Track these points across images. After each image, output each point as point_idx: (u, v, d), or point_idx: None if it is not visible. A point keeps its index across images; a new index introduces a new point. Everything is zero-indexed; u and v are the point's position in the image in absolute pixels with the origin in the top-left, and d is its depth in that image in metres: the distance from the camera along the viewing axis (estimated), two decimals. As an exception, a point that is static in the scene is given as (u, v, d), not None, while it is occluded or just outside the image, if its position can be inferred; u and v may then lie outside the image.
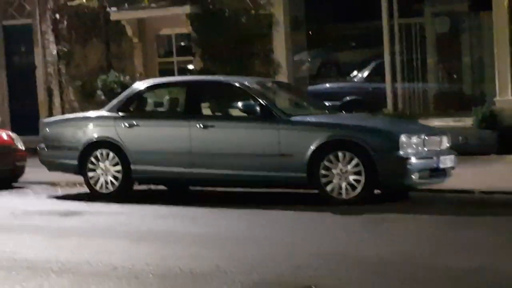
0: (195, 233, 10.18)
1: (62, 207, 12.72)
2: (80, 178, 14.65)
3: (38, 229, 10.74)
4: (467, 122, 16.38)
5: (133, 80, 19.32)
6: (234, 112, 13.49)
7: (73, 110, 20.22)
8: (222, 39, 18.21)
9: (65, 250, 9.13)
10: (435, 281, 7.40)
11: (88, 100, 20.03)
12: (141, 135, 13.24)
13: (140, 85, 13.97)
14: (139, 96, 13.78)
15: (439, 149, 12.49)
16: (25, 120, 20.76)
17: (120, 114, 13.48)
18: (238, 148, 12.56)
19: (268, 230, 10.28)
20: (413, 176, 11.90)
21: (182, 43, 19.55)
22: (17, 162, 15.96)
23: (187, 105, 13.28)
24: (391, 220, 10.79)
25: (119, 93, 18.91)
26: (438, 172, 12.33)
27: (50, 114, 20.91)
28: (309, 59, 18.87)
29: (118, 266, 8.21)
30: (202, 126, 12.74)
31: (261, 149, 12.40)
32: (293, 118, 12.52)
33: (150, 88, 13.97)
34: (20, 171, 16.02)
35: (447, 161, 12.43)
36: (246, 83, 13.13)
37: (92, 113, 14.28)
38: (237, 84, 13.08)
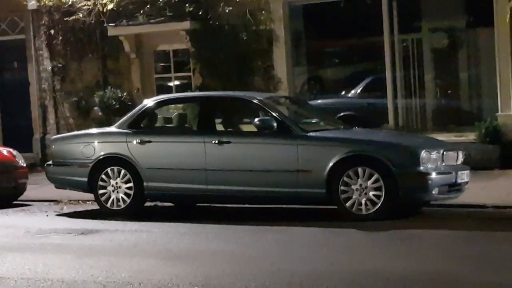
0: (224, 251, 9.88)
1: (76, 225, 12.36)
2: (82, 195, 14.41)
3: (61, 248, 10.39)
4: (469, 136, 16.26)
5: (131, 96, 19.10)
6: (247, 128, 13.31)
7: (68, 127, 19.90)
8: (222, 55, 17.95)
9: (99, 270, 8.77)
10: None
11: (84, 116, 19.69)
12: (154, 152, 12.96)
13: (151, 101, 13.67)
14: (150, 113, 13.49)
15: (455, 164, 12.35)
16: (18, 137, 20.31)
17: (131, 130, 13.19)
18: (255, 164, 12.30)
19: (298, 247, 10.01)
20: (433, 192, 11.76)
21: (180, 59, 19.20)
22: (19, 179, 15.61)
23: (201, 121, 13.05)
24: (419, 236, 10.56)
25: (117, 109, 18.80)
26: (456, 187, 12.19)
27: (45, 131, 20.56)
28: (307, 75, 18.63)
29: (162, 287, 7.91)
30: (217, 142, 12.48)
31: (279, 165, 12.17)
32: (311, 134, 12.31)
33: (161, 104, 13.73)
34: (22, 188, 15.69)
35: (463, 176, 12.33)
36: (262, 99, 12.91)
37: (102, 130, 14.02)
38: (254, 100, 12.84)
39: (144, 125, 13.40)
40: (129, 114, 13.64)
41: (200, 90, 17.49)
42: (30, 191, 15.85)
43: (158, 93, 19.21)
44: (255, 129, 12.71)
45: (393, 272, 8.24)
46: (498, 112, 16.38)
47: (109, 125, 18.21)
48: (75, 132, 14.38)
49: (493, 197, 13.29)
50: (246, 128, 13.33)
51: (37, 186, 16.42)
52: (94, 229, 11.81)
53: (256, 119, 12.52)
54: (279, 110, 12.73)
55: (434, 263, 8.74)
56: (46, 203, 15.29)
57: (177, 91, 18.81)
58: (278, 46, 17.85)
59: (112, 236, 11.23)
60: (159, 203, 14.12)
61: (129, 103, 18.93)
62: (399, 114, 17.38)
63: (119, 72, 19.49)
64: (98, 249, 10.22)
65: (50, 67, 20.25)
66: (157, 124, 13.68)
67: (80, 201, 14.93)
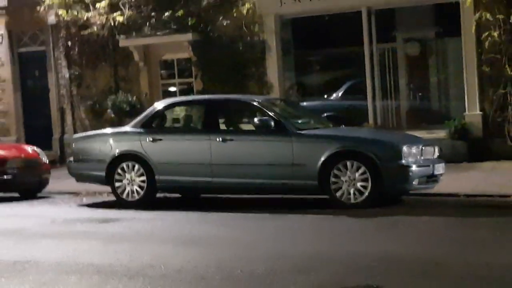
0: (232, 237, 9.75)
1: (97, 214, 12.19)
2: (99, 188, 14.24)
3: (87, 235, 10.23)
4: (440, 134, 16.14)
5: (140, 100, 18.92)
6: (246, 127, 13.17)
7: (84, 128, 19.67)
8: (220, 63, 17.81)
9: (123, 255, 8.62)
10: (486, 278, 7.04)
11: (98, 118, 19.49)
12: (165, 149, 12.81)
13: (161, 104, 13.53)
14: (160, 114, 13.33)
15: (432, 158, 12.25)
16: (38, 137, 20.07)
17: (144, 129, 13.03)
18: (254, 159, 12.18)
19: (297, 233, 9.88)
20: (414, 182, 11.67)
21: (183, 67, 19.02)
22: (43, 174, 15.44)
23: (207, 121, 12.89)
24: (403, 222, 10.43)
25: (128, 112, 18.63)
26: (433, 178, 12.09)
27: (63, 131, 20.35)
28: (295, 80, 18.49)
29: (181, 269, 7.76)
30: (221, 140, 12.35)
31: (276, 159, 12.05)
32: (305, 132, 12.20)
33: (170, 106, 13.59)
34: (45, 182, 15.53)
35: (440, 169, 12.24)
36: (260, 101, 12.80)
37: (117, 129, 13.84)
38: (254, 103, 12.75)
39: (155, 125, 13.22)
40: (142, 115, 13.47)
41: (202, 94, 17.30)
42: (52, 185, 15.68)
43: (164, 97, 19.06)
44: (254, 128, 12.60)
45: (385, 253, 8.15)
46: (465, 112, 16.27)
47: (120, 125, 18.08)
48: (94, 132, 14.18)
49: (463, 187, 13.18)
50: (244, 127, 13.19)
51: (58, 180, 16.20)
52: (114, 218, 11.65)
53: (256, 119, 12.41)
54: (276, 111, 12.60)
55: (421, 246, 8.66)
56: (67, 195, 15.10)
57: (181, 95, 18.63)
58: (270, 55, 17.71)
59: (131, 224, 11.08)
60: (167, 194, 13.94)
61: (139, 106, 18.77)
62: (378, 114, 17.25)
63: (129, 79, 19.30)
64: (120, 236, 10.07)
65: (68, 75, 20.03)
66: (167, 124, 13.53)
67: (97, 193, 14.74)
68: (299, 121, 12.87)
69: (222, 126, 13.02)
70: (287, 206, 12.22)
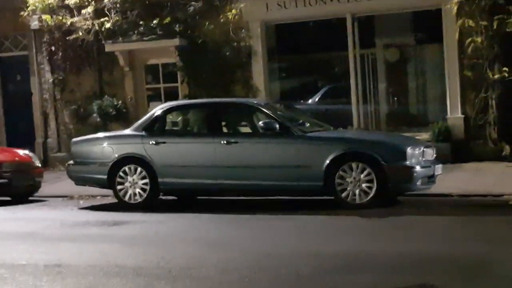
0: (252, 237, 9.50)
1: (103, 217, 11.79)
2: (92, 191, 13.84)
3: (104, 238, 9.85)
4: (423, 136, 16.02)
5: (125, 104, 18.51)
6: (245, 130, 12.94)
7: (68, 132, 19.22)
8: (207, 67, 17.49)
9: (154, 257, 8.27)
10: None
11: (82, 122, 19.03)
12: (168, 151, 12.48)
13: (163, 107, 13.18)
14: (162, 117, 12.97)
15: (432, 159, 12.15)
16: (20, 141, 19.38)
17: (146, 133, 12.69)
18: (260, 161, 11.94)
19: (312, 233, 9.62)
20: (417, 183, 11.54)
21: (168, 71, 18.63)
22: (36, 178, 14.95)
23: (211, 124, 12.60)
24: (411, 221, 10.28)
25: (114, 116, 18.21)
26: (432, 179, 11.98)
27: (46, 135, 19.81)
28: (279, 85, 18.28)
29: (224, 270, 7.46)
30: (225, 142, 12.06)
31: (281, 162, 11.82)
32: (310, 134, 12.01)
33: (172, 110, 13.23)
34: (38, 186, 15.06)
35: (438, 169, 12.14)
36: (263, 104, 12.58)
37: (119, 133, 13.51)
38: (257, 106, 12.52)
39: (158, 128, 12.87)
40: (143, 118, 13.12)
41: (189, 99, 16.98)
42: (41, 188, 15.15)
43: (149, 102, 18.74)
44: (258, 131, 12.36)
45: (420, 252, 8.00)
46: (447, 115, 16.24)
47: (106, 129, 17.72)
48: (94, 135, 13.75)
49: (454, 187, 13.08)
50: (244, 129, 12.94)
51: (45, 184, 15.71)
52: (123, 220, 11.27)
53: (261, 122, 12.15)
54: (280, 114, 12.39)
55: (454, 244, 8.50)
56: (60, 199, 14.65)
57: (166, 100, 18.25)
58: (256, 59, 17.46)
59: (144, 226, 10.72)
60: (162, 197, 13.53)
61: (124, 110, 18.38)
62: (361, 117, 17.11)
63: (114, 83, 18.84)
64: (140, 238, 9.71)
65: (51, 80, 19.48)
66: (169, 127, 13.17)
67: (91, 196, 14.32)
68: (301, 123, 12.65)
69: (226, 129, 12.73)
70: (285, 208, 11.91)
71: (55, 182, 16.60)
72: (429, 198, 12.43)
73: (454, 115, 16.14)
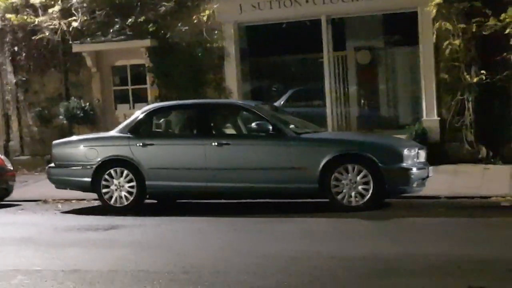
0: (256, 239, 9.36)
1: (93, 221, 11.45)
2: (66, 194, 13.50)
3: (107, 243, 9.56)
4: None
5: (92, 106, 18.10)
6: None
7: (31, 134, 18.73)
8: (178, 68, 17.24)
9: (166, 260, 8.04)
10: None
11: (47, 124, 18.55)
12: (156, 153, 12.22)
13: (149, 108, 12.92)
14: (149, 118, 12.70)
15: (424, 161, 12.17)
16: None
17: (133, 134, 12.38)
18: (252, 163, 11.76)
19: (317, 236, 9.45)
20: (413, 184, 11.52)
21: (136, 72, 18.28)
22: (9, 181, 14.46)
23: (201, 125, 12.37)
24: (420, 223, 10.27)
25: (81, 118, 17.78)
26: (425, 180, 11.99)
27: (8, 138, 19.23)
28: (251, 87, 18.11)
29: (255, 273, 7.31)
30: (217, 144, 11.85)
31: (275, 163, 11.69)
32: (304, 136, 11.88)
33: (159, 111, 12.94)
34: (11, 190, 14.53)
35: (431, 171, 12.15)
36: (254, 105, 12.41)
37: (103, 134, 13.20)
38: (249, 107, 12.37)
39: (145, 130, 12.59)
40: (129, 120, 12.82)
41: (161, 101, 16.66)
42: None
43: (117, 103, 18.38)
44: (250, 132, 12.19)
45: (425, 254, 7.94)
46: (422, 117, 16.33)
47: (72, 132, 17.31)
48: (77, 137, 13.38)
49: (439, 189, 13.03)
50: (235, 131, 12.74)
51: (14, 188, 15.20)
52: (118, 224, 10.96)
53: (253, 123, 11.98)
54: (271, 115, 12.24)
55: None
56: (33, 203, 14.18)
57: (135, 102, 17.96)
58: (228, 61, 17.28)
59: (142, 230, 10.46)
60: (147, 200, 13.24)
61: (91, 112, 17.96)
62: (334, 119, 17.06)
63: (80, 85, 18.42)
64: (143, 243, 9.43)
65: (14, 81, 18.92)
66: (156, 129, 12.86)
67: (65, 200, 13.92)
68: (292, 125, 12.51)
69: (215, 131, 12.51)
70: (280, 211, 11.74)
71: (22, 186, 16.09)
72: (418, 200, 12.42)
73: (430, 117, 16.23)
